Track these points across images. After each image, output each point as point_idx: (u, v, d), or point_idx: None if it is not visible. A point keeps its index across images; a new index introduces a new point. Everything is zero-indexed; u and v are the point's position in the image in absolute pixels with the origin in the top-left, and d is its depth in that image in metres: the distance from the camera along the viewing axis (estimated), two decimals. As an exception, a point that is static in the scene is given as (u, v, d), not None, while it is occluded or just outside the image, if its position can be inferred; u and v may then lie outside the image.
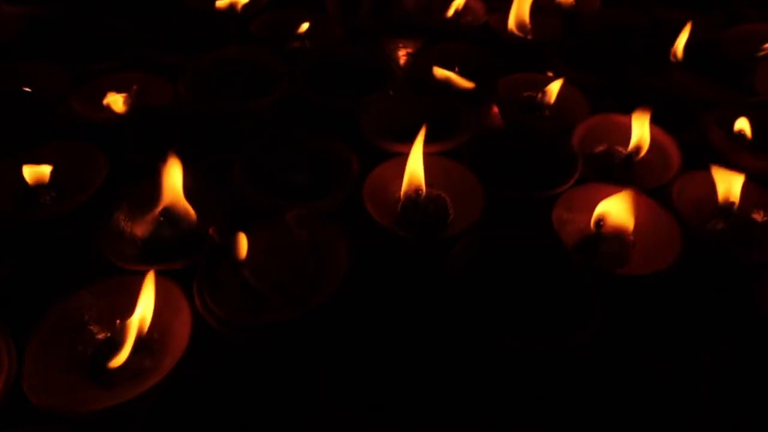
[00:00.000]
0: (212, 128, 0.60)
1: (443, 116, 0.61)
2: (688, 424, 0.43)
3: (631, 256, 0.51)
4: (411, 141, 0.56)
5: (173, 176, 0.49)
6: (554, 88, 0.62)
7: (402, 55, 0.77)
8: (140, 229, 0.50)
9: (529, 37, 0.75)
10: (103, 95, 0.61)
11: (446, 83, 0.65)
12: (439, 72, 0.65)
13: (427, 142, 0.57)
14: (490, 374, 0.44)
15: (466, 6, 0.79)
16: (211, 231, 0.45)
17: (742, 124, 0.59)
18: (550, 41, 0.73)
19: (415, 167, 0.53)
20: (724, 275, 0.50)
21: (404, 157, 0.54)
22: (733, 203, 0.52)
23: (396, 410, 0.44)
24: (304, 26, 0.72)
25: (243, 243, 0.44)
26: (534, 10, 0.77)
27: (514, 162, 0.59)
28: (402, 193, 0.52)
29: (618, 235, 0.51)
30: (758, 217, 0.53)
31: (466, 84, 0.65)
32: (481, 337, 0.42)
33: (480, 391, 0.44)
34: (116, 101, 0.59)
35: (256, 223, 0.48)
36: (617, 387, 0.46)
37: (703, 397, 0.41)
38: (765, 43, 0.71)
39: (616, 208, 0.50)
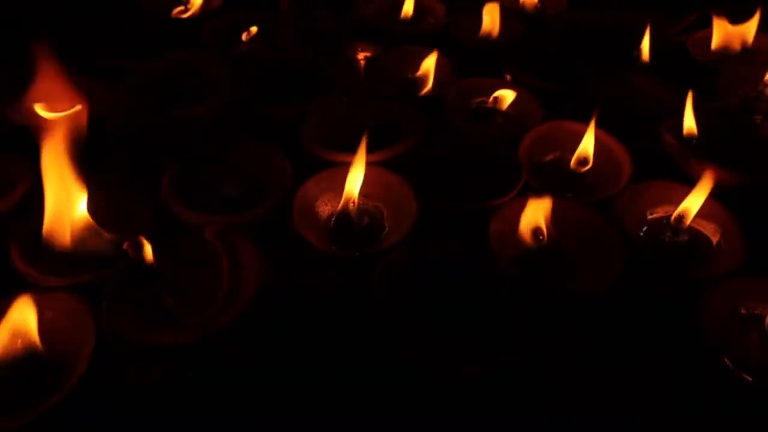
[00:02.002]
0: (149, 136, 0.58)
1: (390, 124, 0.59)
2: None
3: (574, 271, 0.49)
4: (354, 150, 0.55)
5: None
6: (505, 94, 0.60)
7: (360, 59, 0.74)
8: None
9: (491, 39, 0.73)
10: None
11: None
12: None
13: (369, 150, 0.55)
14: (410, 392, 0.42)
15: (425, 8, 0.76)
16: (125, 246, 0.44)
17: (689, 129, 0.56)
18: (508, 44, 0.70)
19: (353, 180, 0.50)
20: (669, 292, 0.47)
21: (340, 167, 0.52)
22: (683, 218, 0.50)
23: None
24: (253, 30, 0.70)
25: (150, 256, 0.42)
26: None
27: (460, 172, 0.56)
28: (339, 206, 0.50)
29: (559, 249, 0.48)
30: (709, 230, 0.51)
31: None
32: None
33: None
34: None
35: (174, 236, 0.46)
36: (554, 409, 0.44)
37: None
38: (733, 46, 0.69)
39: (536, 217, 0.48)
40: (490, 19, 0.72)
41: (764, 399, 0.40)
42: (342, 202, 0.50)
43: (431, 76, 0.63)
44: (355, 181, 0.49)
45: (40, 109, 0.58)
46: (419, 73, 0.65)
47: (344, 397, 0.42)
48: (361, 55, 0.75)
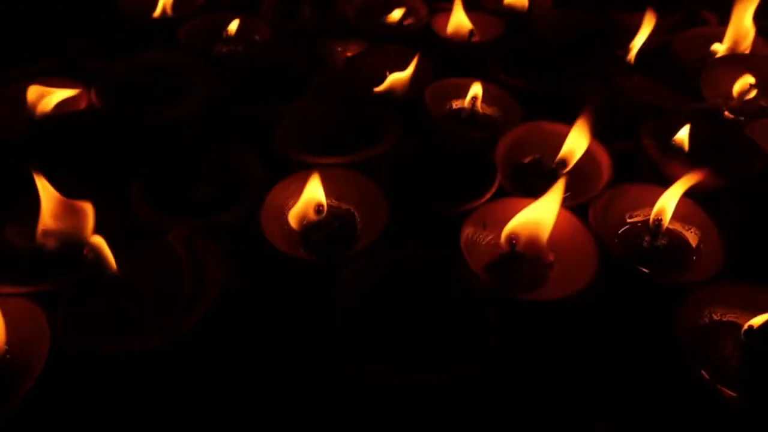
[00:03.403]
0: (125, 138, 0.57)
1: (367, 125, 0.58)
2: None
3: (548, 277, 0.48)
4: (331, 152, 0.53)
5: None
6: (476, 90, 0.59)
7: (340, 59, 0.73)
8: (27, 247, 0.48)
9: (474, 39, 0.72)
10: (13, 104, 0.58)
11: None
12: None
13: (344, 152, 0.54)
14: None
15: (408, 8, 0.75)
16: (85, 251, 0.43)
17: (679, 136, 0.55)
18: (489, 44, 0.69)
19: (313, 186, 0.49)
20: (646, 298, 0.46)
21: (311, 169, 0.51)
22: (661, 220, 0.49)
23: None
24: (232, 29, 0.69)
25: (110, 260, 0.41)
26: (481, 11, 0.74)
27: (437, 174, 0.55)
28: (304, 210, 0.49)
29: (534, 254, 0.47)
30: (688, 234, 0.49)
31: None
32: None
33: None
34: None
35: (136, 240, 0.45)
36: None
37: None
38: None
39: (528, 224, 0.46)
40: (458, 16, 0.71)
41: (741, 407, 0.39)
42: (303, 207, 0.49)
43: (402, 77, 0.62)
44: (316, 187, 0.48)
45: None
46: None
47: (305, 401, 0.42)
48: (340, 55, 0.74)
